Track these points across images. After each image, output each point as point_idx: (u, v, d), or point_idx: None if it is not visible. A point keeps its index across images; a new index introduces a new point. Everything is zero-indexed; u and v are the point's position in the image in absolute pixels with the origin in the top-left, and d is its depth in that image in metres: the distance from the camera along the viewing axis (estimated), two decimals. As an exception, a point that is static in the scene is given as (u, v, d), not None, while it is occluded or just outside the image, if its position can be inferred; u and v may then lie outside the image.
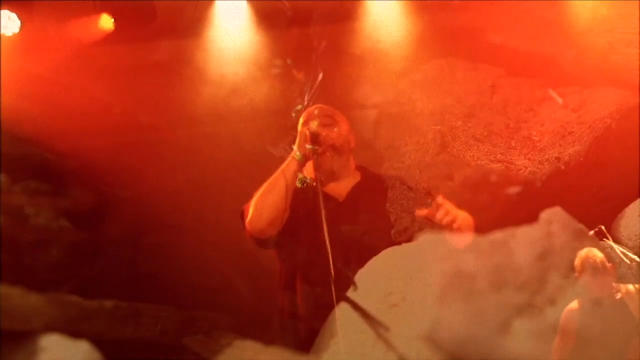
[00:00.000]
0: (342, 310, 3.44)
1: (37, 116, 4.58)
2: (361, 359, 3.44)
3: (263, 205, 2.87)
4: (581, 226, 4.42)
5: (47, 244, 4.83)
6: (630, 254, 3.74)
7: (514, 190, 4.62)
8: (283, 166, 2.94)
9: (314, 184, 2.79)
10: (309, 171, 2.99)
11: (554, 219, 4.36)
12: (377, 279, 3.60)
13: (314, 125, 2.92)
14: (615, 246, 3.70)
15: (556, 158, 4.80)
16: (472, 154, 4.85)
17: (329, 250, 2.66)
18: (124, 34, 4.97)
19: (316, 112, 3.09)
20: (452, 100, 5.08)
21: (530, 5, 5.21)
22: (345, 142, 3.11)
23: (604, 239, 3.68)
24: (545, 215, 4.38)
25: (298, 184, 2.90)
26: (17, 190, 4.83)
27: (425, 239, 3.84)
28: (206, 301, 5.05)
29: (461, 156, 4.83)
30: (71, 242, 4.93)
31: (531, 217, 4.28)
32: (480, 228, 3.74)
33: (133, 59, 5.16)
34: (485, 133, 4.94)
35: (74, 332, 3.71)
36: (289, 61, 4.44)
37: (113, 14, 4.92)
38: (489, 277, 3.85)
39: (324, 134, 2.90)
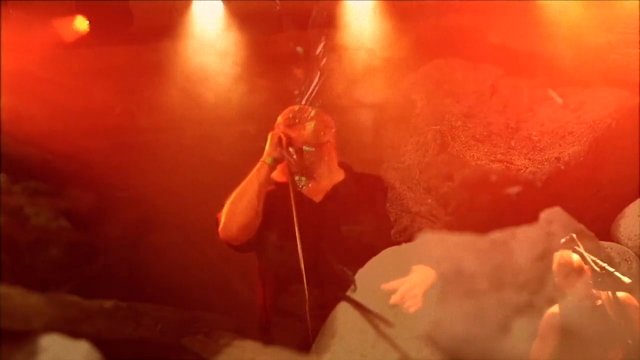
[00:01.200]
0: (342, 310, 3.44)
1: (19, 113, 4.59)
2: (361, 359, 3.44)
3: (234, 212, 2.87)
4: (581, 226, 4.42)
5: (47, 243, 4.83)
6: (600, 262, 3.71)
7: (513, 190, 4.62)
8: (254, 171, 2.92)
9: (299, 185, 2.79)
10: (279, 174, 2.96)
11: (554, 219, 4.37)
12: (377, 278, 3.60)
13: (281, 128, 2.90)
14: (585, 254, 3.67)
15: (556, 158, 4.79)
16: (472, 154, 4.85)
17: (300, 254, 2.65)
18: (101, 35, 4.98)
19: (290, 115, 3.07)
20: (452, 100, 5.07)
21: (530, 5, 5.22)
22: (319, 140, 3.08)
23: (575, 247, 3.65)
24: (545, 215, 4.38)
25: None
26: (17, 191, 4.84)
27: (425, 239, 3.85)
28: (206, 301, 5.05)
29: (461, 156, 4.82)
30: (71, 242, 4.93)
31: (531, 217, 4.29)
32: (481, 228, 3.74)
33: (110, 61, 5.14)
34: (485, 133, 4.94)
35: (73, 332, 3.71)
36: (299, 49, 4.44)
37: (89, 16, 4.92)
38: (488, 277, 3.85)
39: (293, 135, 2.88)
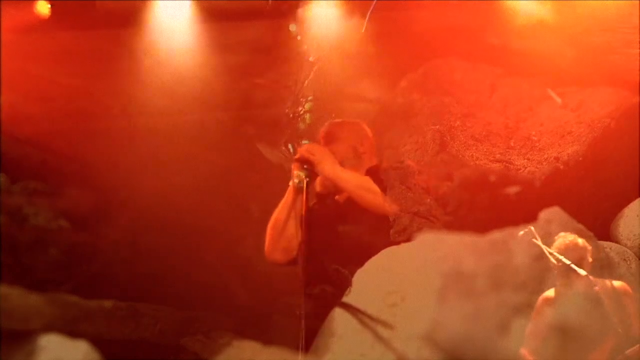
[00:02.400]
0: (341, 310, 3.44)
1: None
2: (361, 359, 3.44)
3: (271, 239, 2.92)
4: (580, 226, 4.42)
5: (46, 243, 4.83)
6: (557, 254, 3.73)
7: (513, 190, 4.62)
8: (285, 197, 2.98)
9: (306, 181, 2.81)
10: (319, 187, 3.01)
11: (553, 218, 4.37)
12: (376, 278, 3.60)
13: (300, 152, 2.93)
14: (543, 247, 3.71)
15: (555, 158, 4.79)
16: (471, 153, 4.85)
17: (303, 258, 2.68)
18: (63, 20, 4.95)
19: (329, 129, 3.08)
20: (451, 100, 5.08)
21: (529, 5, 5.21)
22: (346, 155, 3.11)
23: (533, 239, 3.68)
24: (544, 215, 4.39)
25: (295, 181, 2.91)
26: (17, 190, 4.84)
27: (425, 238, 3.85)
28: (205, 301, 5.04)
29: (460, 156, 4.82)
30: (70, 242, 4.93)
31: (530, 217, 4.29)
32: (480, 228, 3.74)
33: (72, 46, 5.10)
34: (484, 133, 4.94)
35: (73, 332, 3.71)
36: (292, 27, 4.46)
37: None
38: (488, 277, 3.86)
39: (334, 149, 2.91)
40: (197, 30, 5.11)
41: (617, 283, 4.43)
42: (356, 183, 2.98)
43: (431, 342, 3.65)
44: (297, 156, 2.95)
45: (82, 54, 5.08)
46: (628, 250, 4.61)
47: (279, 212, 2.96)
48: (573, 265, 3.64)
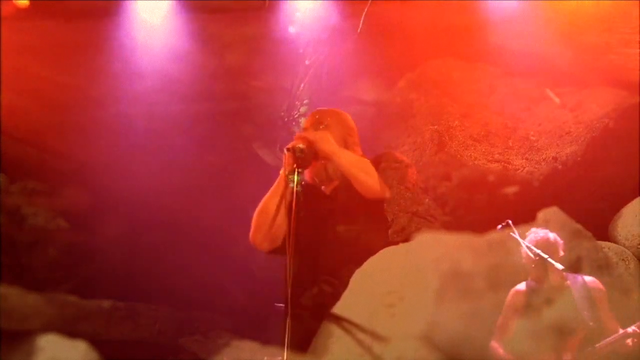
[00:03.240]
0: (339, 310, 3.43)
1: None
2: (360, 359, 3.44)
3: (258, 225, 2.90)
4: (578, 226, 4.43)
5: (45, 243, 4.83)
6: (534, 248, 3.72)
7: (511, 190, 4.63)
8: (275, 184, 2.95)
9: (300, 186, 2.80)
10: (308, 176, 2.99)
11: (551, 218, 4.37)
12: (374, 278, 3.60)
13: (294, 145, 2.92)
14: (521, 240, 3.71)
15: (553, 158, 4.80)
16: (469, 153, 4.85)
17: (290, 255, 2.66)
18: (42, 11, 4.92)
19: (316, 117, 3.07)
20: (449, 100, 5.07)
21: (529, 5, 5.20)
22: (347, 144, 3.08)
23: (511, 233, 3.68)
24: (542, 215, 4.39)
25: (290, 185, 2.90)
26: (15, 191, 4.84)
27: (423, 238, 3.84)
28: (203, 302, 5.04)
29: (459, 156, 4.83)
30: (68, 243, 4.93)
31: (529, 217, 4.29)
32: (478, 228, 3.74)
33: (50, 36, 5.07)
34: (482, 133, 4.94)
35: (71, 332, 3.72)
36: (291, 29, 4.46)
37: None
38: (485, 277, 3.85)
39: (306, 150, 2.89)
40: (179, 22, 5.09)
41: (588, 278, 4.47)
42: (353, 161, 2.96)
43: (429, 342, 3.64)
44: (295, 138, 2.92)
45: (62, 46, 5.05)
46: (626, 250, 4.61)
47: (268, 198, 2.93)
48: (550, 259, 3.63)
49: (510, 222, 3.74)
